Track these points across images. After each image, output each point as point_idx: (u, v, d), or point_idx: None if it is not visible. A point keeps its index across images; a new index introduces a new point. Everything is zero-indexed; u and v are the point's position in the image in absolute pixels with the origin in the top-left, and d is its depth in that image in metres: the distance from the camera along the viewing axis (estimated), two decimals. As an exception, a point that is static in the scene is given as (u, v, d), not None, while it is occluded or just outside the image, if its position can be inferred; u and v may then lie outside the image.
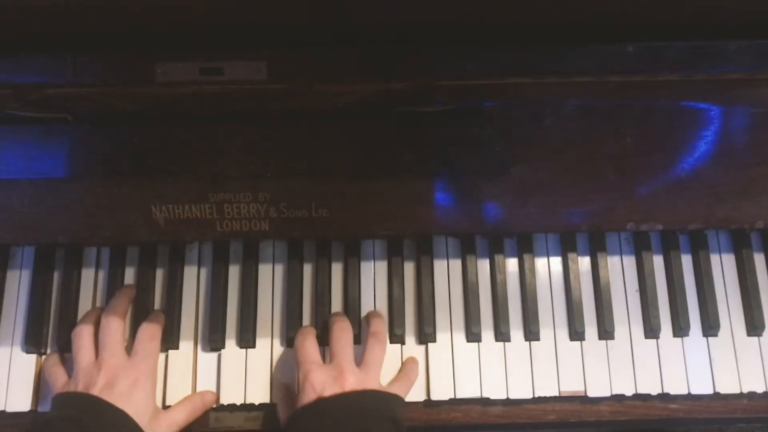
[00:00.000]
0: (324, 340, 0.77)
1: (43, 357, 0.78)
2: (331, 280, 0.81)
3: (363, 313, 0.79)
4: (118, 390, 0.69)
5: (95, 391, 0.69)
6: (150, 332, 0.75)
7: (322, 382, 0.68)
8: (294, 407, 0.70)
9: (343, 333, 0.74)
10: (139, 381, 0.71)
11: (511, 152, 0.72)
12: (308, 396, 0.68)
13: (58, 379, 0.74)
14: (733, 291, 0.81)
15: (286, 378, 0.77)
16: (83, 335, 0.74)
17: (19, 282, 0.81)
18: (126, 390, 0.70)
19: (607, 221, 0.74)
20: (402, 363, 0.77)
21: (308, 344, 0.73)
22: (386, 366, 0.75)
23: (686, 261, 0.82)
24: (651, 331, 0.79)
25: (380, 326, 0.76)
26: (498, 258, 0.81)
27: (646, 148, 0.72)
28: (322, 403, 0.67)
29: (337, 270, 0.81)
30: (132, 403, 0.69)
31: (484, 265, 0.81)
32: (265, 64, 0.65)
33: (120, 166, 0.72)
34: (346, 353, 0.72)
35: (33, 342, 0.78)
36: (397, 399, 0.71)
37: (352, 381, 0.69)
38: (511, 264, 0.81)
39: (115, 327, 0.74)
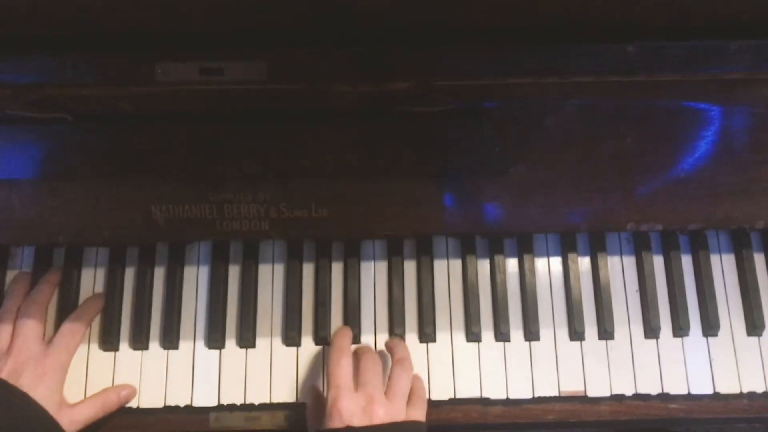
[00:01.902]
0: (328, 340, 0.78)
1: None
2: (331, 280, 0.81)
3: (363, 313, 0.80)
4: (21, 381, 0.69)
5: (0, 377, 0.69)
6: (72, 327, 0.74)
7: (350, 411, 0.67)
8: (321, 421, 0.70)
9: (372, 364, 0.73)
10: (46, 375, 0.71)
11: (511, 152, 0.72)
12: (334, 422, 0.67)
13: None
14: (733, 291, 0.81)
15: (315, 381, 0.77)
16: (1, 319, 0.74)
17: (19, 282, 0.81)
18: (29, 383, 0.69)
19: (607, 221, 0.74)
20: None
21: (343, 363, 0.71)
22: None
23: (686, 261, 0.81)
24: (651, 331, 0.79)
25: (405, 352, 0.76)
26: (498, 258, 0.81)
27: (646, 148, 0.72)
28: None
29: (337, 270, 0.81)
30: (35, 396, 0.68)
31: (484, 265, 0.81)
32: (265, 64, 0.65)
33: (120, 166, 0.72)
34: (376, 383, 0.71)
35: (33, 342, 0.78)
36: (422, 426, 0.71)
37: (381, 413, 0.68)
38: (511, 264, 0.81)
39: (32, 316, 0.74)
